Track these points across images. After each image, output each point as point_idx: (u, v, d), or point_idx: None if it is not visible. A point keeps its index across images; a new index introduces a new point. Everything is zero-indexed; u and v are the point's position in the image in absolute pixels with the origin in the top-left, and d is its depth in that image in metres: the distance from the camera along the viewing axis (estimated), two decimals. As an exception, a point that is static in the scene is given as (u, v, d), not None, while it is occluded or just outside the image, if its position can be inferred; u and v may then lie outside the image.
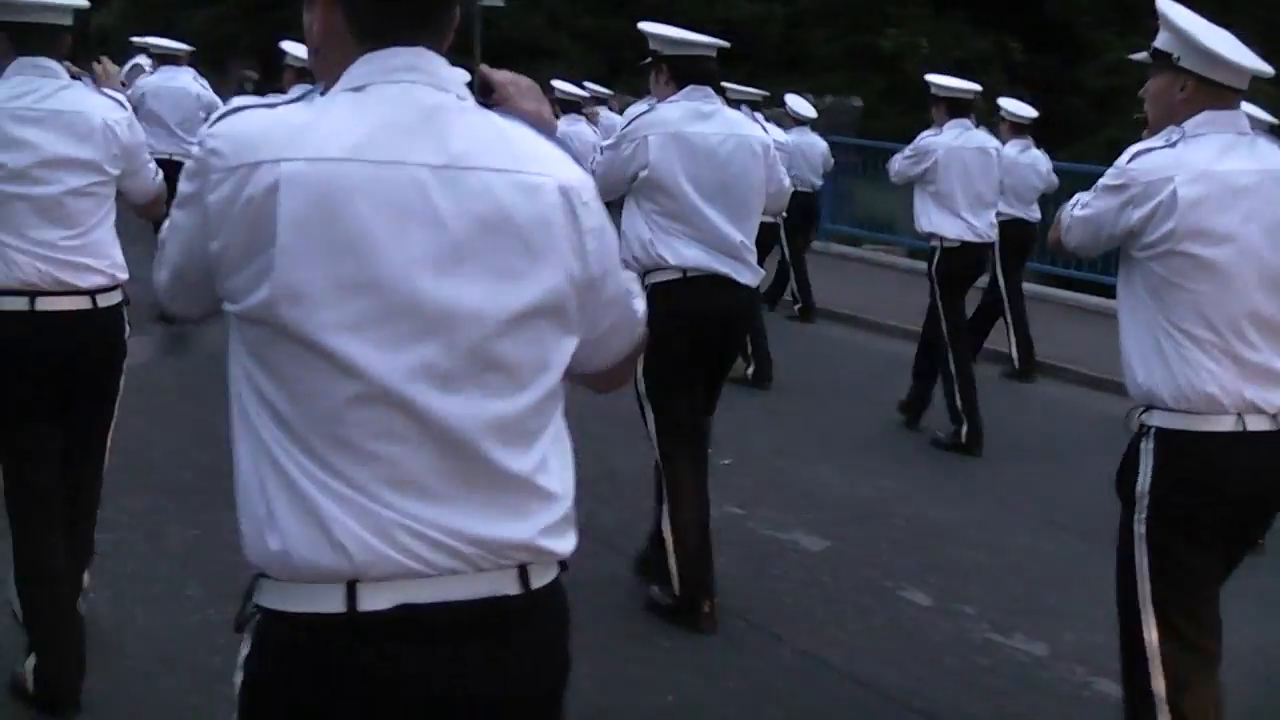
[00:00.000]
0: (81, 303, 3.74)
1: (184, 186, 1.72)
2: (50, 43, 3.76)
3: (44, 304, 3.68)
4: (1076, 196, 3.36)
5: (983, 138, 7.69)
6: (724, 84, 9.67)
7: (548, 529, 1.77)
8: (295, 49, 7.76)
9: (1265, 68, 3.13)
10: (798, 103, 11.51)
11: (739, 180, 4.65)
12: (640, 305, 2.03)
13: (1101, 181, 3.19)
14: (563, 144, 1.87)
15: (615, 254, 1.91)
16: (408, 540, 1.66)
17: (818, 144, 11.32)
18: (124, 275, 3.88)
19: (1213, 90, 3.09)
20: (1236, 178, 3.04)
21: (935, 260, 7.57)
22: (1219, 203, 3.02)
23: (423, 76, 1.73)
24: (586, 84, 12.90)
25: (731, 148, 4.63)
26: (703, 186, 4.57)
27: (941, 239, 7.49)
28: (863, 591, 5.15)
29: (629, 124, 4.67)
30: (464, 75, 1.80)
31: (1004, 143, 8.40)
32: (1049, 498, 6.62)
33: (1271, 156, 3.14)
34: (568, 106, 10.94)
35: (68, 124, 3.73)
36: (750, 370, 8.58)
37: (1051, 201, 8.86)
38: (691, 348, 4.67)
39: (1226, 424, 3.02)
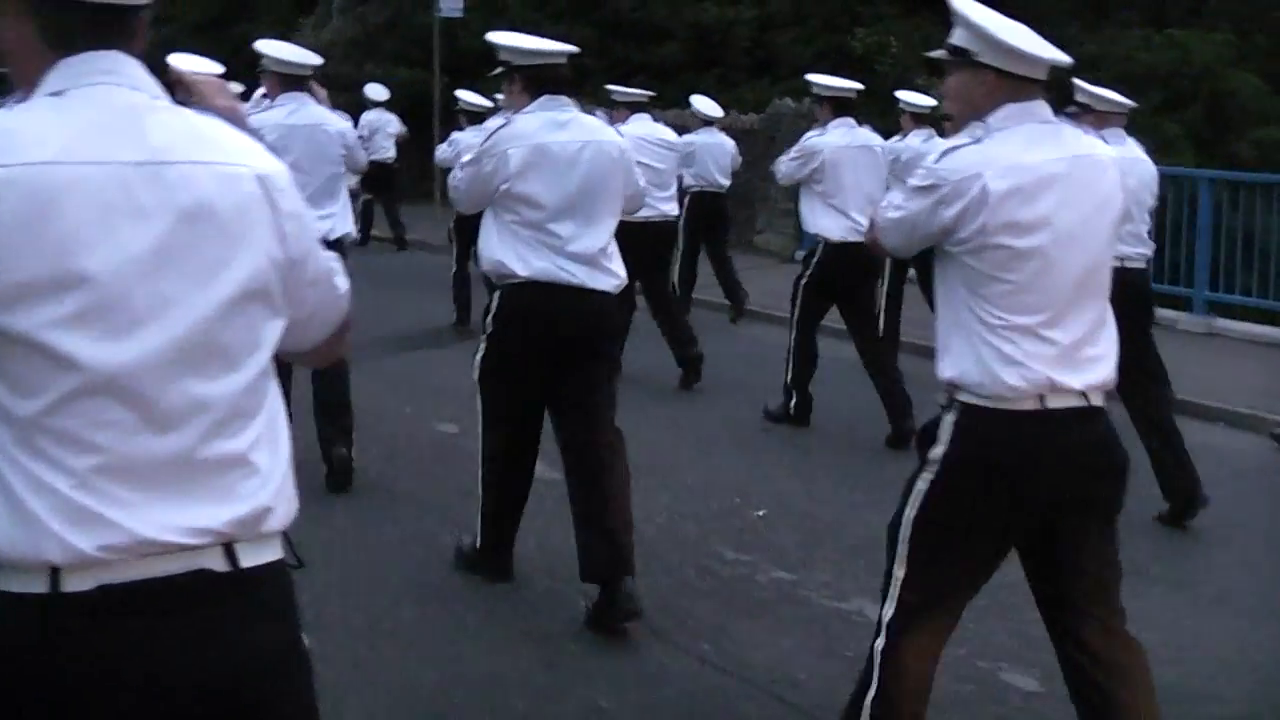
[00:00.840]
0: None
1: None
2: None
3: None
4: (888, 198, 3.40)
5: (867, 136, 7.72)
6: (609, 86, 10.13)
7: (258, 507, 1.84)
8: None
9: (1063, 57, 3.18)
10: (703, 103, 11.53)
11: (597, 187, 4.69)
12: (343, 283, 2.13)
13: (912, 182, 3.24)
14: (257, 135, 1.99)
15: (314, 237, 2.01)
16: (114, 538, 1.72)
17: (725, 144, 11.30)
18: None
19: (1013, 83, 3.14)
20: (1046, 167, 3.09)
21: (818, 256, 7.60)
22: (1030, 193, 3.06)
23: (117, 79, 1.83)
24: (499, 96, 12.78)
25: (590, 155, 4.66)
26: (563, 196, 4.60)
27: (826, 239, 7.54)
28: (958, 676, 4.34)
29: (489, 139, 4.68)
30: (152, 79, 1.88)
31: (905, 135, 8.73)
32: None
33: (1077, 142, 3.23)
34: (474, 118, 11.02)
35: None
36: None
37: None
38: (536, 350, 4.68)
39: (1027, 404, 3.10)
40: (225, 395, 1.82)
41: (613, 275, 4.80)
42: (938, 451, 3.19)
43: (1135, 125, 20.72)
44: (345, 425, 6.27)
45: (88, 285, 1.70)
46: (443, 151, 11.40)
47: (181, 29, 25.49)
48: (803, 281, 7.76)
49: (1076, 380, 3.13)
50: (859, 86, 7.96)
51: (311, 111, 6.35)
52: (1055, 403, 3.12)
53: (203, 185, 1.80)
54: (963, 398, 3.15)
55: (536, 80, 4.80)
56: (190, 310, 1.77)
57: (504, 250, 4.67)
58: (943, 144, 3.33)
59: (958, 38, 3.21)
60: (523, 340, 4.72)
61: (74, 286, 1.70)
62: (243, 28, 24.13)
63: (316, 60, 6.55)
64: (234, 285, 1.82)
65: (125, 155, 1.75)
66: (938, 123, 8.93)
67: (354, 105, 17.62)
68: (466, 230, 9.08)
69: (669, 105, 18.39)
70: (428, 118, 18.00)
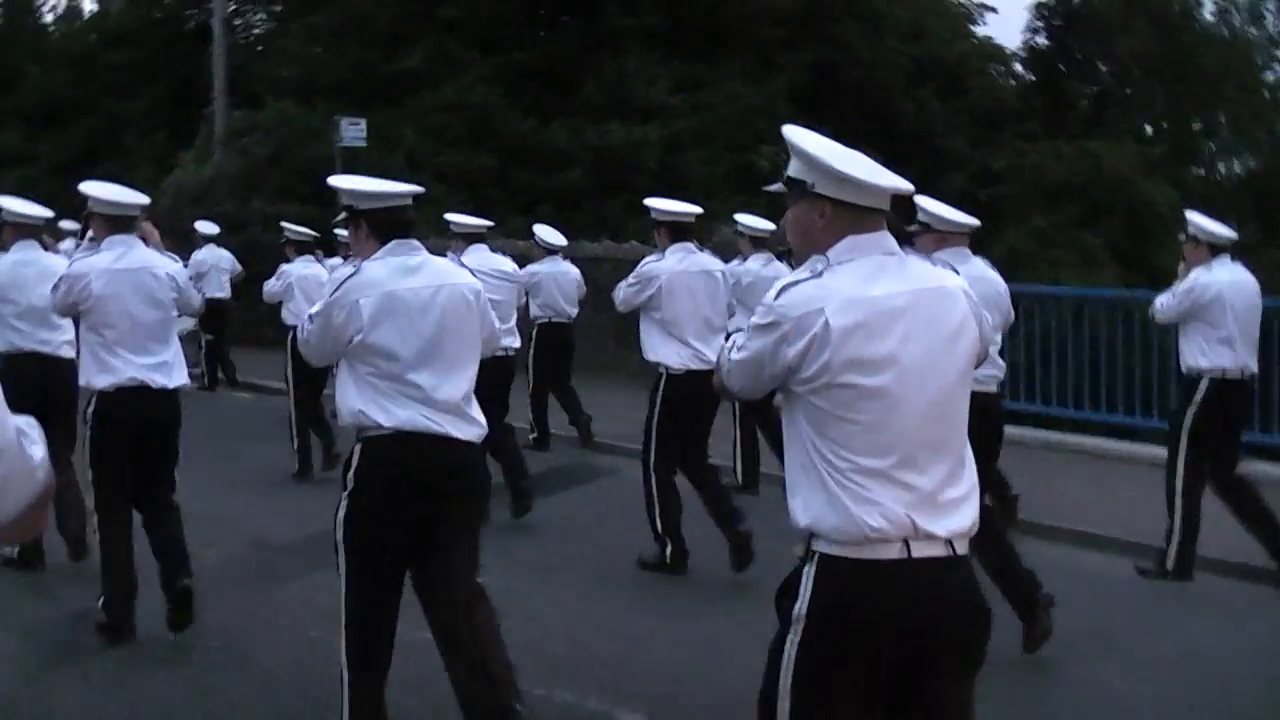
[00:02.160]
0: None
1: None
2: None
3: None
4: (732, 338, 3.29)
5: (707, 260, 7.50)
6: (446, 216, 9.51)
7: None
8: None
9: (904, 185, 3.12)
10: (546, 232, 11.34)
11: (454, 333, 4.55)
12: (36, 451, 1.93)
13: (753, 320, 3.12)
14: None
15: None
16: None
17: (570, 272, 11.18)
18: None
19: (852, 214, 3.05)
20: (889, 300, 3.00)
21: (660, 388, 7.31)
22: (874, 329, 2.98)
23: None
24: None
25: (444, 299, 4.53)
26: (418, 345, 4.44)
27: (667, 368, 7.28)
28: None
29: (337, 289, 4.48)
30: None
31: (744, 258, 8.51)
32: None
33: (923, 274, 3.12)
34: (301, 247, 10.80)
35: None
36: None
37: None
38: (403, 506, 4.47)
39: (891, 552, 2.96)
40: None
41: (477, 424, 4.61)
42: (800, 608, 3.01)
43: (1056, 240, 20.05)
44: (184, 562, 6.09)
45: None
46: (271, 285, 10.97)
47: (41, 170, 23.92)
48: (652, 422, 7.39)
49: (940, 527, 2.99)
50: (697, 210, 7.70)
51: (139, 254, 6.03)
52: (920, 551, 2.96)
53: None
54: (821, 547, 3.01)
55: (383, 224, 4.61)
56: None
57: (364, 400, 4.45)
58: (782, 280, 3.17)
59: (793, 169, 3.12)
60: (389, 495, 4.46)
61: None
62: (108, 166, 22.70)
63: (144, 200, 6.24)
64: None
65: None
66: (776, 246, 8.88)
67: (246, 245, 16.25)
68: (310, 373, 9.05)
69: (579, 233, 17.54)
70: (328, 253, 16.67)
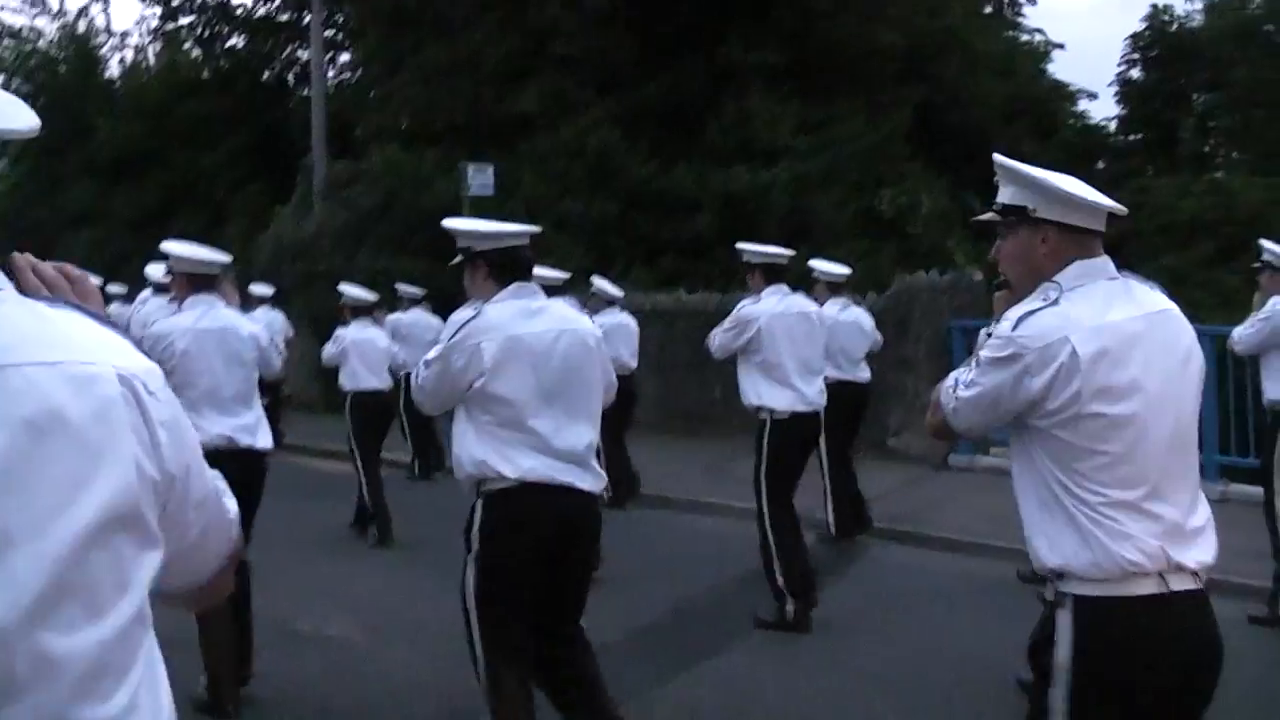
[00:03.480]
0: None
1: None
2: None
3: None
4: (954, 376, 3.19)
5: (803, 302, 7.53)
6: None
7: None
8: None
9: (1118, 205, 3.07)
10: (605, 284, 11.29)
11: (577, 379, 4.45)
12: (232, 505, 1.85)
13: (985, 354, 3.02)
14: (121, 329, 1.66)
15: (196, 449, 1.68)
16: None
17: (628, 324, 11.11)
18: None
19: (1076, 237, 3.02)
20: (1128, 325, 2.94)
21: (765, 433, 7.24)
22: (1117, 356, 2.90)
23: None
24: (400, 286, 12.76)
25: (566, 345, 4.43)
26: (541, 391, 4.35)
27: (771, 411, 7.22)
28: None
29: (457, 332, 4.39)
30: None
31: (821, 303, 8.31)
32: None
33: (1150, 298, 3.06)
34: (358, 312, 10.51)
35: None
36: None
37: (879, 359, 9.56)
38: (530, 559, 4.40)
39: (1149, 586, 2.87)
40: (85, 650, 1.44)
41: (598, 474, 4.53)
42: (1063, 656, 2.89)
43: (1190, 279, 18.66)
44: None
45: None
46: (328, 350, 10.71)
47: (116, 226, 22.86)
48: (761, 470, 7.28)
49: (1189, 559, 2.89)
50: (790, 253, 7.73)
51: (222, 314, 6.07)
52: (1176, 584, 2.87)
53: (51, 390, 1.46)
54: (1073, 588, 2.90)
55: (503, 265, 4.53)
56: (36, 547, 1.42)
57: (486, 450, 4.36)
58: (1014, 311, 3.00)
59: (1009, 195, 3.09)
60: (517, 551, 4.41)
61: None
62: (195, 222, 21.65)
63: (225, 259, 6.26)
64: (95, 510, 1.46)
65: None
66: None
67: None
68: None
69: (702, 284, 16.38)
70: (434, 311, 15.49)
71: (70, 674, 1.44)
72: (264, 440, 6.01)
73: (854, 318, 9.16)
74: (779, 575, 7.17)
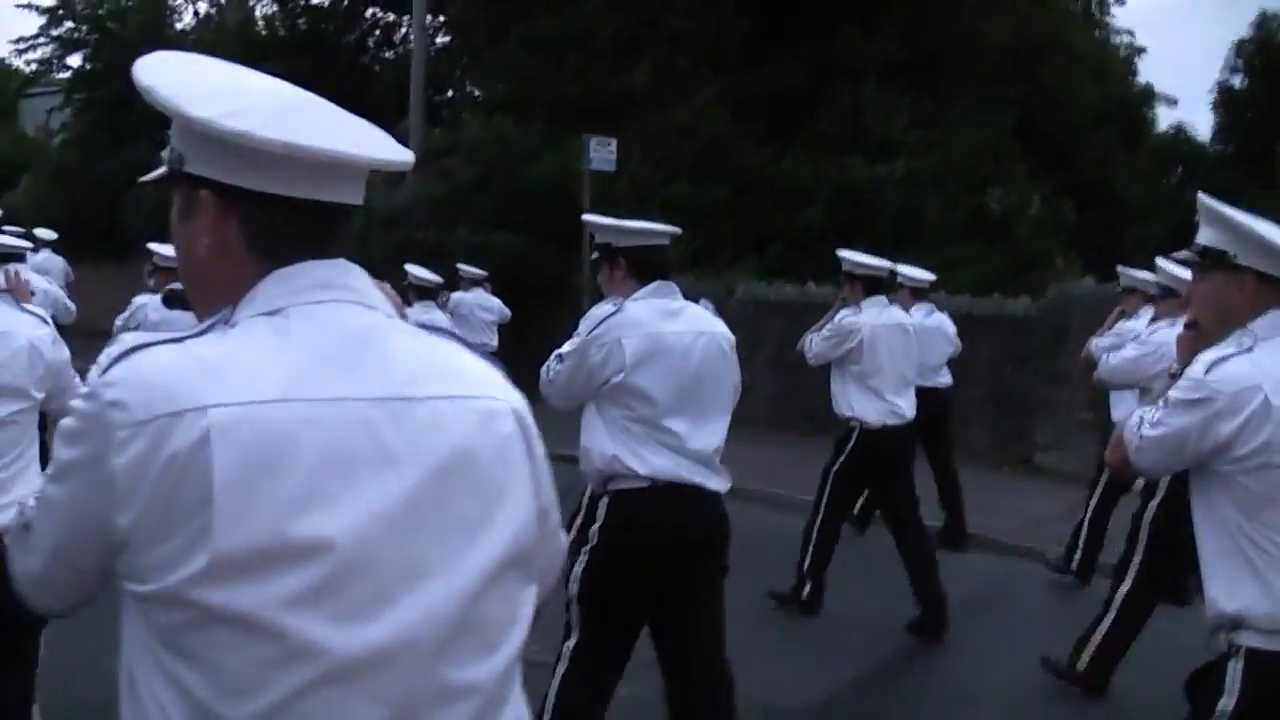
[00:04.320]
0: None
1: (65, 452, 1.45)
2: None
3: None
4: (1139, 413, 3.18)
5: (900, 315, 7.53)
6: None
7: None
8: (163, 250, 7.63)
9: None
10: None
11: (711, 382, 4.39)
12: (562, 533, 1.89)
13: (1174, 395, 3.02)
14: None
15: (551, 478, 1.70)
16: None
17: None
18: None
19: (1275, 287, 2.99)
20: None
21: (853, 440, 7.24)
22: None
23: (347, 294, 1.54)
24: (461, 266, 12.41)
25: (703, 347, 4.37)
26: (677, 391, 4.29)
27: (862, 422, 7.21)
28: None
29: (596, 326, 4.31)
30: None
31: (906, 310, 8.22)
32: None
33: None
34: (423, 293, 10.35)
35: None
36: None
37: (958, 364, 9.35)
38: (652, 560, 4.30)
39: None
40: (483, 684, 1.49)
41: (725, 477, 4.41)
42: (1227, 706, 2.88)
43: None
44: None
45: (327, 554, 1.38)
46: None
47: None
48: (834, 469, 7.35)
49: None
50: (889, 265, 7.70)
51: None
52: None
53: (458, 425, 1.49)
54: (1248, 640, 2.86)
55: (643, 264, 4.49)
56: (448, 581, 1.45)
57: (618, 446, 4.24)
58: (1206, 355, 3.00)
59: (1209, 237, 3.07)
60: (638, 549, 4.27)
61: (310, 555, 1.38)
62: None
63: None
64: (498, 549, 1.50)
65: (367, 390, 1.45)
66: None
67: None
68: None
69: (810, 277, 15.60)
70: (532, 292, 14.72)
71: (469, 706, 1.46)
72: None
73: (938, 324, 9.09)
74: (808, 560, 7.30)
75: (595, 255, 4.65)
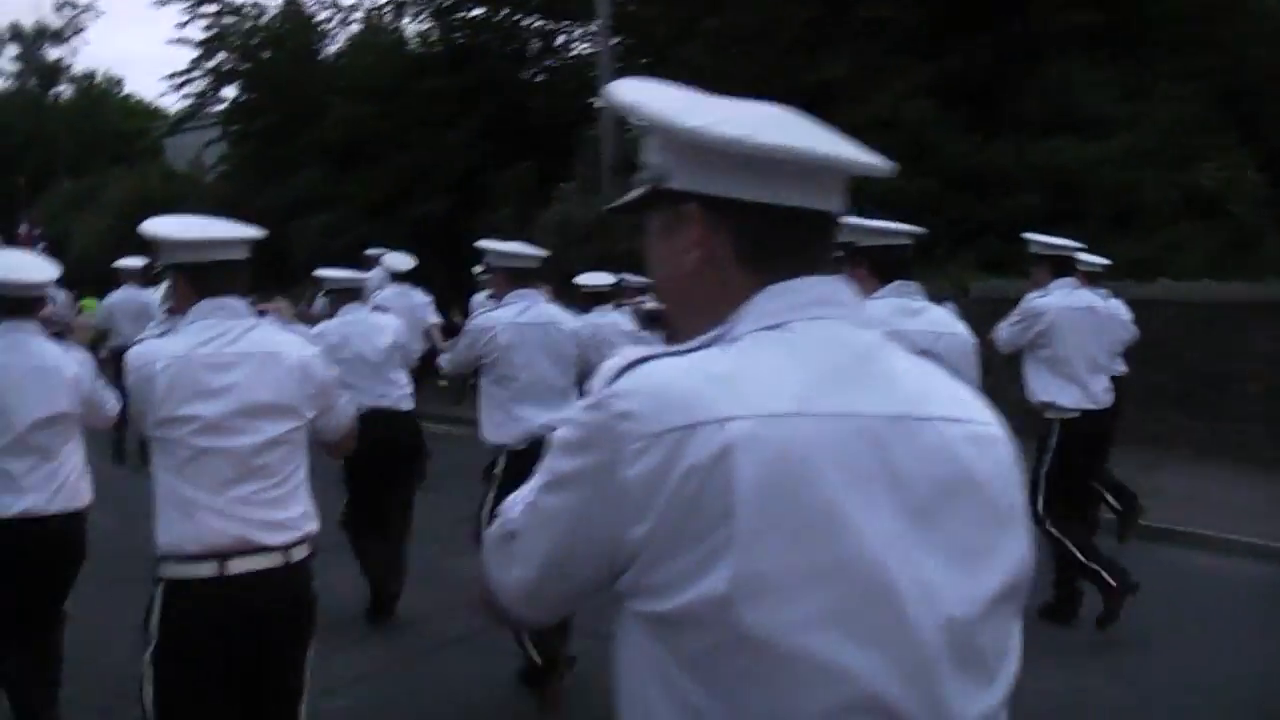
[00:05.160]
0: (274, 560, 3.51)
1: (567, 462, 1.45)
2: (231, 280, 3.61)
3: (235, 566, 3.44)
4: None
5: (1090, 297, 7.29)
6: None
7: None
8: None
9: None
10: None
11: None
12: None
13: None
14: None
15: None
16: None
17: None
18: (314, 527, 3.67)
19: None
20: None
21: (1053, 433, 7.04)
22: None
23: (843, 311, 1.55)
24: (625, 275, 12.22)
25: (945, 347, 4.23)
26: None
27: (1060, 409, 7.05)
28: None
29: None
30: None
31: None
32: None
33: None
34: (599, 299, 9.98)
35: (261, 366, 3.57)
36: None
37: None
38: None
39: None
40: (986, 715, 1.43)
41: None
42: None
43: None
44: None
45: (845, 575, 1.36)
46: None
47: (353, 211, 21.80)
48: (1043, 470, 7.02)
49: None
50: (1079, 245, 7.51)
51: (544, 310, 6.10)
52: None
53: (960, 450, 1.45)
54: None
55: (885, 264, 4.48)
56: (954, 607, 1.41)
57: None
58: None
59: None
60: None
61: (830, 576, 1.35)
62: (419, 207, 20.46)
63: (543, 254, 6.28)
64: (998, 578, 1.46)
65: (876, 408, 1.43)
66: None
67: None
68: None
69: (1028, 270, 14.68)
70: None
71: None
72: None
73: (1111, 310, 8.64)
74: (1079, 567, 6.95)
75: (838, 254, 4.38)
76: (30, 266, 4.96)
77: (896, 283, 4.47)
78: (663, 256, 1.60)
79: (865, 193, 11.96)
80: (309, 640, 3.69)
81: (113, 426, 5.52)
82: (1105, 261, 9.11)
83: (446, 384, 14.63)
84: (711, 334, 1.50)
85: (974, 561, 1.43)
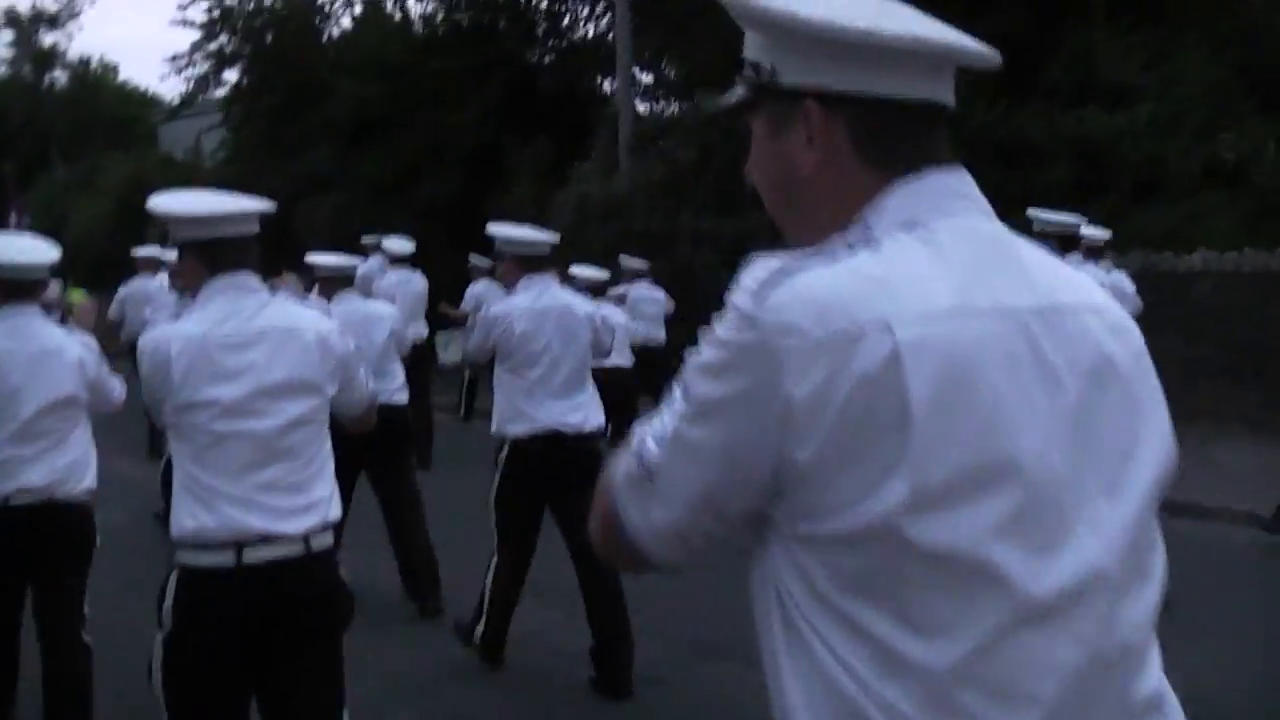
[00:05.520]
0: (294, 549, 3.40)
1: (715, 387, 1.36)
2: (244, 256, 3.51)
3: (252, 555, 3.34)
4: None
5: (1094, 271, 7.30)
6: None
7: None
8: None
9: None
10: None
11: None
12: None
13: None
14: None
15: None
16: None
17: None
18: (337, 513, 3.56)
19: None
20: None
21: None
22: None
23: (975, 203, 1.48)
24: (623, 258, 12.32)
25: None
26: None
27: None
28: None
29: None
30: None
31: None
32: None
33: None
34: (594, 292, 9.87)
35: (280, 343, 3.47)
36: None
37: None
38: None
39: None
40: (1146, 620, 1.41)
41: None
42: None
43: None
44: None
45: (1016, 479, 1.31)
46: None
47: (361, 192, 21.55)
48: None
49: None
50: (1079, 220, 7.46)
51: (558, 295, 6.02)
52: None
53: (1103, 339, 1.42)
54: None
55: None
56: (1116, 506, 1.38)
57: None
58: None
59: None
60: None
61: (1004, 479, 1.31)
62: (430, 187, 20.19)
63: (554, 239, 6.14)
64: (1149, 469, 1.42)
65: (1022, 301, 1.38)
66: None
67: (678, 269, 13.68)
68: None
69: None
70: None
71: (1143, 637, 1.40)
72: (595, 420, 5.89)
73: (1115, 282, 8.71)
74: None
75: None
76: (32, 249, 4.83)
77: None
78: (772, 159, 1.54)
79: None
80: (337, 635, 3.57)
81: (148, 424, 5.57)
82: (1107, 234, 9.14)
83: (455, 362, 14.56)
84: (847, 237, 1.42)
85: (1128, 453, 1.40)
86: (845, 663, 1.32)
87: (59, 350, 4.68)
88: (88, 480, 4.77)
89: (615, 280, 11.94)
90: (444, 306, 13.67)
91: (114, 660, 4.94)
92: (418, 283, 12.27)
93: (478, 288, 14.03)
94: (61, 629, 4.80)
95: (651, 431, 1.46)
